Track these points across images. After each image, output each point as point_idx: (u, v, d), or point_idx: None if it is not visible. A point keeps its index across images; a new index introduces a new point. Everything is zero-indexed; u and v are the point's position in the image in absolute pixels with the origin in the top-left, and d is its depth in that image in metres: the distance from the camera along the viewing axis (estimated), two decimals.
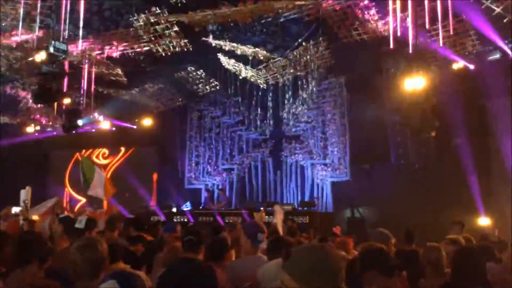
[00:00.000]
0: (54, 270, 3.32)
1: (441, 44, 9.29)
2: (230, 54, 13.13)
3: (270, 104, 15.51)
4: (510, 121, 10.58)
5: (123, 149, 17.55)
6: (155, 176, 14.91)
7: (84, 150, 17.19)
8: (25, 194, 7.01)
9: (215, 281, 3.00)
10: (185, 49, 12.13)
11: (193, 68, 14.31)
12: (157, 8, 10.50)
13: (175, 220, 12.31)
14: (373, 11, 10.13)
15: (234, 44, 12.28)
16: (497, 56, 10.43)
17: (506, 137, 10.58)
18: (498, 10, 8.98)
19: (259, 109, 15.65)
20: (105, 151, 17.83)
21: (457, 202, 10.99)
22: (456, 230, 6.04)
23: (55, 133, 16.10)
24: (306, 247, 1.85)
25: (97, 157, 17.71)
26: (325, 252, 1.80)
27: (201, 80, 14.72)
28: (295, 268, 1.72)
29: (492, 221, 10.25)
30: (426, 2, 8.98)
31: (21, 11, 9.70)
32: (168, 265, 3.18)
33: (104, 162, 17.53)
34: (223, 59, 13.59)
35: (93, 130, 16.50)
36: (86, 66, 12.44)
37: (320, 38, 12.47)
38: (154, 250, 5.51)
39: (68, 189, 17.46)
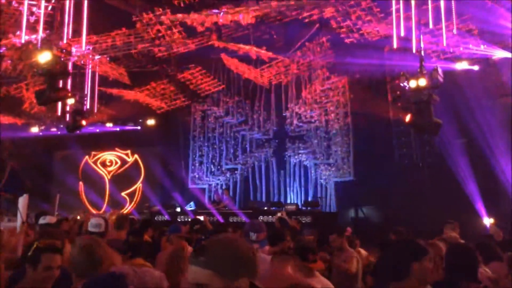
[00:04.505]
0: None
1: (444, 44, 9.25)
2: (233, 54, 13.13)
3: (273, 104, 15.53)
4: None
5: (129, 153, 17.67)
6: None
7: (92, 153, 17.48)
8: (22, 202, 6.87)
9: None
10: (188, 49, 12.16)
11: (196, 68, 14.31)
12: (160, 8, 10.51)
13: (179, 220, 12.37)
14: (375, 11, 10.09)
15: (237, 44, 12.29)
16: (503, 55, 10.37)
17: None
18: None
19: (262, 109, 15.66)
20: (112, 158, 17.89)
21: (461, 202, 10.95)
22: (449, 230, 6.04)
23: (59, 133, 16.14)
24: (220, 238, 1.78)
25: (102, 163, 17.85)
26: (237, 242, 1.77)
27: (204, 80, 14.72)
28: (211, 259, 1.66)
29: (497, 221, 10.20)
30: (429, 1, 8.94)
31: (25, 11, 9.73)
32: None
33: (111, 168, 17.70)
34: (226, 59, 13.60)
35: (97, 130, 16.54)
36: (90, 66, 12.47)
37: (323, 38, 12.46)
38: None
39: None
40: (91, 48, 11.44)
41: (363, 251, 7.05)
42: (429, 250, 2.61)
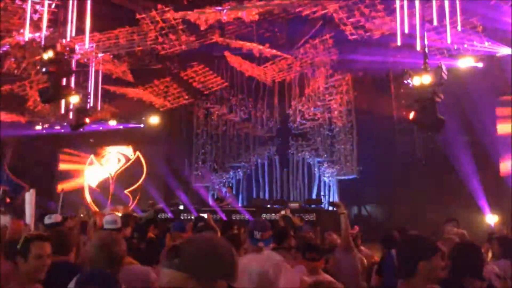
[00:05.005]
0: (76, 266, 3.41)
1: (448, 41, 9.21)
2: (237, 51, 13.11)
3: (276, 101, 15.51)
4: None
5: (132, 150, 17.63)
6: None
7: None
8: (29, 198, 6.71)
9: None
10: (191, 47, 12.15)
11: (199, 66, 14.30)
12: (163, 6, 10.50)
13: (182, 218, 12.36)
14: (379, 8, 10.05)
15: (240, 42, 12.27)
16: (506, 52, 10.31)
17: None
18: None
19: (265, 107, 15.65)
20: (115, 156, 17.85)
21: (464, 200, 10.93)
22: (451, 228, 6.02)
23: (62, 131, 16.16)
24: (195, 239, 1.68)
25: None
26: (215, 242, 1.66)
27: (207, 78, 14.72)
28: (185, 261, 1.56)
29: (500, 219, 10.17)
30: None
31: (28, 9, 9.74)
32: None
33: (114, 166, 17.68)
34: (229, 57, 13.58)
35: (100, 128, 16.55)
36: (93, 64, 12.47)
37: (327, 35, 12.43)
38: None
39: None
40: (94, 46, 11.45)
41: (366, 250, 7.01)
42: (440, 247, 2.52)
